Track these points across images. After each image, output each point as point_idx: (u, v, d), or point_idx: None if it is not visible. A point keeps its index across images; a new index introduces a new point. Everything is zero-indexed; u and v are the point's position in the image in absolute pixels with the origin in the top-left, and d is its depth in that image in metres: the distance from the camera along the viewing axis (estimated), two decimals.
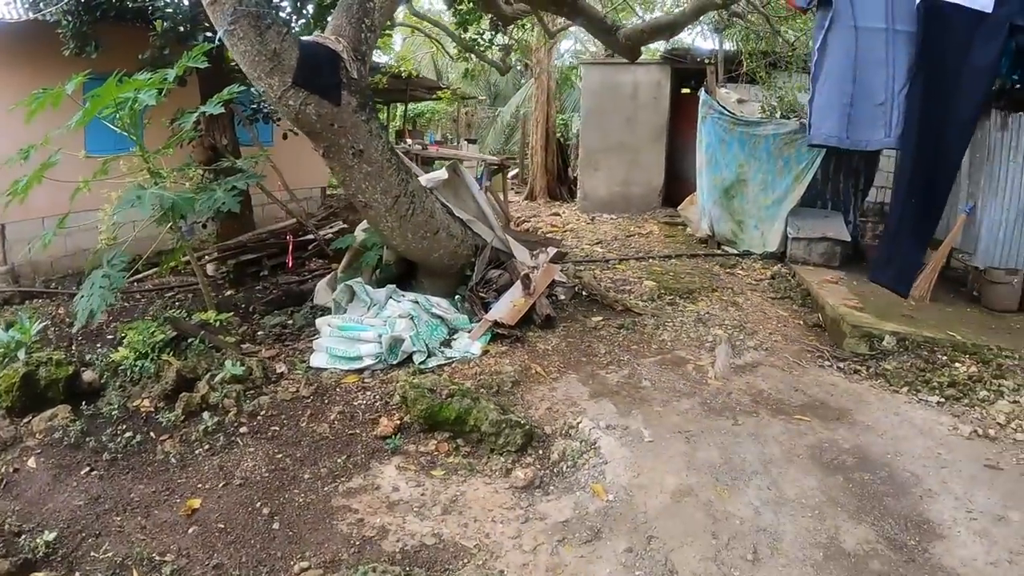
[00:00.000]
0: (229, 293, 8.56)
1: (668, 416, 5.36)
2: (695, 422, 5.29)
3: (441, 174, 7.25)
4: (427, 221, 6.60)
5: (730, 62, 12.48)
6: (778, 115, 11.55)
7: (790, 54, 12.18)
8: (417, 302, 6.56)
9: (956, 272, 9.28)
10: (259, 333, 6.95)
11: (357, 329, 6.16)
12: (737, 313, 8.02)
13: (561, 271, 8.45)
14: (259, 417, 5.19)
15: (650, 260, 10.26)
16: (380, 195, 6.22)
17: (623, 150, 15.06)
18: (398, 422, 5.03)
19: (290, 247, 8.86)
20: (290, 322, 7.20)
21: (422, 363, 5.95)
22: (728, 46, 12.94)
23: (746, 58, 12.23)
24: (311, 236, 9.41)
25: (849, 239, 10.61)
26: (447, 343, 6.42)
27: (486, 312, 6.78)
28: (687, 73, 14.94)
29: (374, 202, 6.26)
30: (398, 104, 21.18)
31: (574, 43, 27.57)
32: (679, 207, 12.58)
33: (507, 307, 6.68)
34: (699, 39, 18.31)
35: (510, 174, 21.82)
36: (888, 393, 6.07)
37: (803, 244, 10.55)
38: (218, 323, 6.42)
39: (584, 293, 8.14)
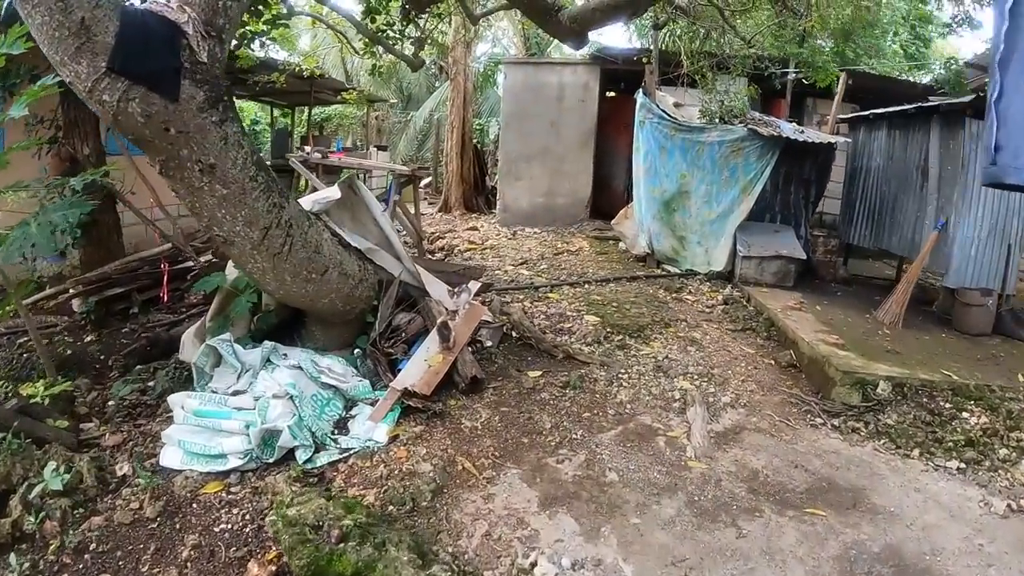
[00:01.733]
0: (89, 339, 6.66)
1: (650, 532, 3.80)
2: (688, 539, 3.76)
3: (332, 192, 5.49)
4: (311, 258, 4.85)
5: (665, 64, 11.05)
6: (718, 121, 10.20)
7: (742, 53, 10.82)
8: (301, 367, 4.83)
9: (917, 290, 8.13)
10: (110, 404, 5.16)
11: (218, 416, 4.40)
12: (699, 354, 6.58)
13: (485, 305, 6.86)
14: (87, 555, 3.48)
15: (586, 285, 8.73)
16: (243, 227, 4.44)
17: (547, 157, 13.53)
18: (274, 570, 3.31)
19: (164, 277, 6.96)
20: (151, 384, 5.42)
21: (308, 461, 4.22)
22: (663, 46, 11.47)
23: (687, 58, 10.83)
24: (191, 263, 7.48)
25: (804, 256, 9.40)
26: (342, 425, 4.71)
27: (394, 374, 5.11)
28: (617, 75, 13.54)
29: (236, 237, 4.48)
30: (303, 108, 19.23)
31: (492, 46, 26.11)
32: (613, 221, 11.15)
33: (420, 369, 5.02)
34: (628, 40, 16.93)
35: (423, 183, 20.16)
36: (899, 459, 4.93)
37: (754, 263, 9.27)
38: (47, 399, 4.61)
39: (515, 335, 6.55)
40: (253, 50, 9.54)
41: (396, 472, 4.15)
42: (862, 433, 5.28)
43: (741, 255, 9.27)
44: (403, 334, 5.52)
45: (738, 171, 9.52)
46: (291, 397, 4.42)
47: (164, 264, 7.10)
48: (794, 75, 12.41)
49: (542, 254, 10.80)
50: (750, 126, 9.56)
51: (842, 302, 8.59)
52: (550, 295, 8.10)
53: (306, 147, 12.87)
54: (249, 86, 14.59)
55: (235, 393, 4.75)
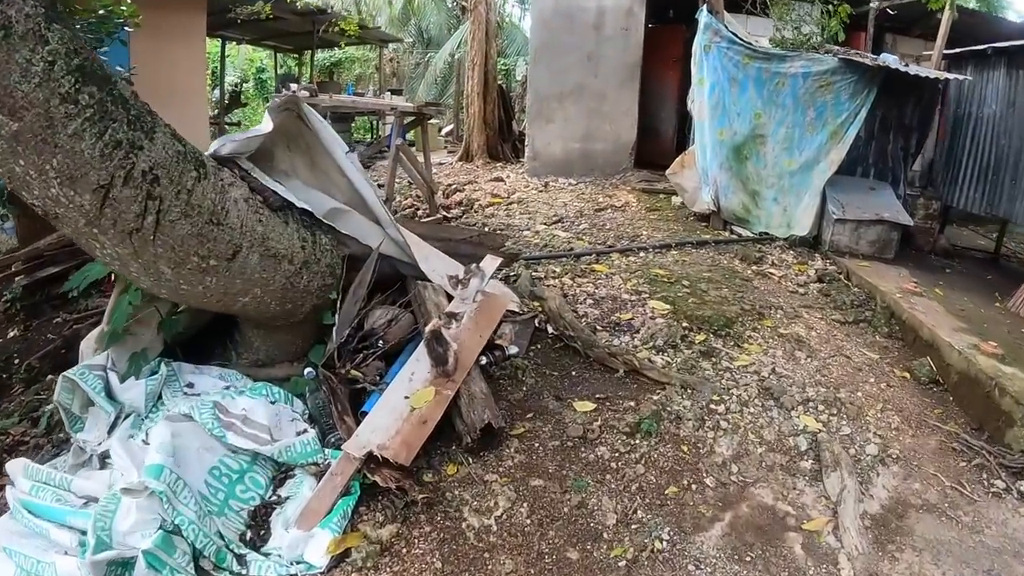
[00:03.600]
0: (13, 333, 4.90)
1: None
2: None
3: (261, 127, 3.35)
4: (204, 233, 2.78)
5: None
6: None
7: None
8: (193, 416, 2.81)
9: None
10: None
11: (49, 516, 2.46)
12: (812, 364, 4.51)
13: (510, 285, 4.80)
14: None
15: (641, 253, 6.61)
16: (62, 187, 2.39)
17: (584, 96, 11.19)
18: None
19: None
20: (48, 409, 3.66)
21: None
22: None
23: None
24: None
25: (910, 221, 7.22)
26: (263, 520, 2.71)
27: (356, 416, 3.08)
28: None
29: (56, 205, 2.46)
30: (307, 51, 17.05)
31: None
32: (668, 171, 8.94)
33: (397, 415, 2.95)
34: None
35: (443, 130, 17.91)
36: None
37: (849, 228, 7.14)
38: None
39: (551, 329, 4.50)
40: None
41: None
42: None
43: (834, 217, 7.11)
44: (380, 342, 3.48)
45: (827, 111, 7.31)
46: (161, 496, 2.39)
47: None
48: (878, 2, 10.08)
49: (580, 210, 8.63)
50: (842, 55, 7.34)
51: (959, 283, 6.49)
52: (596, 267, 5.98)
53: (292, 84, 10.63)
54: (245, 26, 12.62)
55: (101, 457, 2.79)
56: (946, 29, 8.80)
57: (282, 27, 13.86)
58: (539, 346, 4.31)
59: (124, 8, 6.20)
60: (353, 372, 3.22)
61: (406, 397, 3.00)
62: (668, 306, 4.97)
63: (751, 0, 8.83)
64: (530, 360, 4.10)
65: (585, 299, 5.11)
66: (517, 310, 4.44)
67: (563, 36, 11.12)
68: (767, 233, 7.62)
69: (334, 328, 3.32)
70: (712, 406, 3.81)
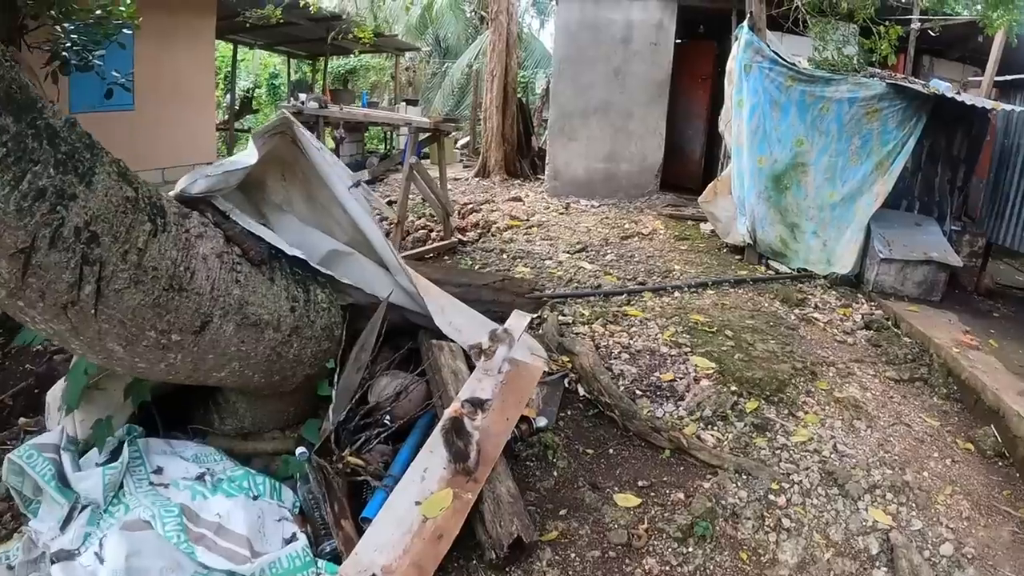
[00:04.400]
0: None
1: None
2: None
3: (243, 158, 2.71)
4: (163, 303, 2.21)
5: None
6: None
7: None
8: (182, 521, 2.25)
9: None
10: None
11: None
12: (873, 436, 3.94)
13: (537, 337, 4.22)
14: None
15: (676, 293, 6.02)
16: None
17: (609, 113, 10.61)
18: None
19: None
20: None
21: None
22: None
23: None
24: None
25: (959, 262, 6.62)
26: None
27: (355, 519, 2.50)
28: (696, 13, 10.57)
29: None
30: (322, 58, 16.47)
31: None
32: (700, 198, 8.32)
33: (404, 529, 2.37)
34: None
35: (459, 142, 17.27)
36: None
37: (895, 268, 6.58)
38: None
39: (582, 391, 3.92)
40: None
41: None
42: None
43: (880, 256, 6.52)
44: (387, 419, 2.91)
45: (872, 140, 6.75)
46: None
47: None
48: (919, 23, 9.50)
49: (605, 237, 8.02)
50: (890, 80, 6.76)
51: (1013, 332, 5.87)
52: (628, 310, 5.40)
53: (301, 95, 10.03)
54: (257, 31, 12.08)
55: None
56: (998, 55, 8.25)
57: (295, 33, 13.32)
58: (569, 412, 3.73)
59: (123, 8, 5.71)
60: (352, 460, 2.63)
61: (417, 503, 2.42)
62: (713, 364, 4.37)
63: (791, 18, 8.21)
64: (560, 433, 3.51)
65: (619, 353, 4.52)
66: (546, 368, 3.87)
67: (589, 50, 10.55)
68: (805, 269, 7.03)
69: (330, 406, 2.74)
70: (771, 496, 3.22)
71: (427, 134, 7.37)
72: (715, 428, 3.75)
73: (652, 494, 3.13)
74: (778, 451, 3.62)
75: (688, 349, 4.59)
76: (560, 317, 4.97)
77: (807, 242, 7.16)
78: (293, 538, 2.45)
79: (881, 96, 6.61)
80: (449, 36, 21.74)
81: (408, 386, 2.99)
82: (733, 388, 4.11)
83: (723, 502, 3.09)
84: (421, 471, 2.55)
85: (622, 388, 3.98)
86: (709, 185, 8.31)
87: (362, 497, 2.65)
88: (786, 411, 4.01)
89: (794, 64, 7.05)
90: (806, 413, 4.03)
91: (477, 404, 2.78)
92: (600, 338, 4.73)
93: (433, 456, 2.60)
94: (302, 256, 2.88)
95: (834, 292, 6.52)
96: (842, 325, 5.73)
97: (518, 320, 3.37)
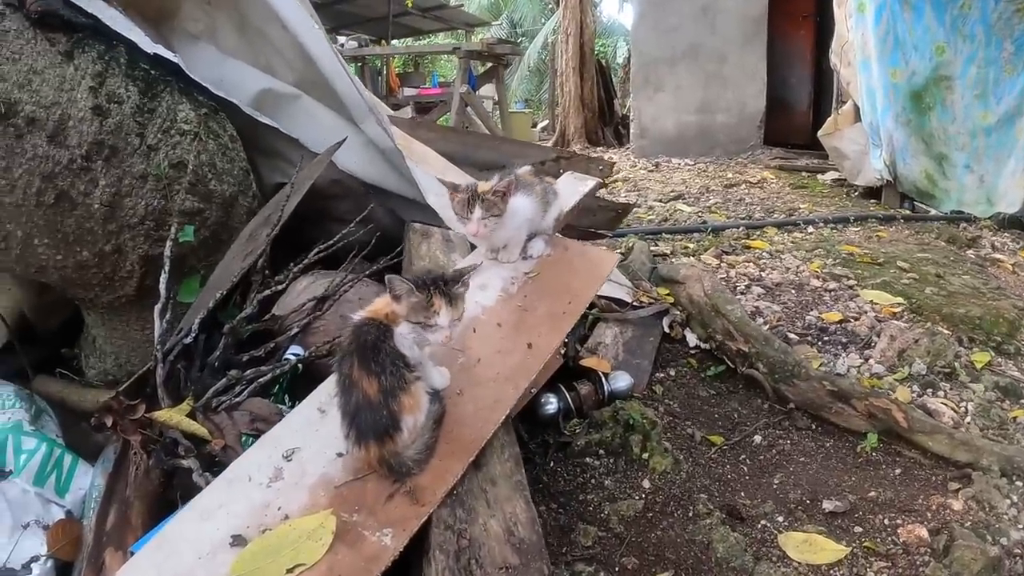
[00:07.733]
0: None
1: None
2: None
3: None
4: None
5: None
6: None
7: None
8: None
9: None
10: None
11: None
12: None
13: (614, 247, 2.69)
14: None
15: (810, 229, 4.38)
16: None
17: (699, 58, 8.98)
18: None
19: None
20: None
21: None
22: None
23: None
24: None
25: None
26: None
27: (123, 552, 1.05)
28: None
29: None
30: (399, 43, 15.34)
31: None
32: (821, 131, 6.54)
33: None
34: None
35: (538, 125, 15.98)
36: None
37: None
38: None
39: (698, 345, 2.36)
40: None
41: None
42: None
43: None
44: (292, 350, 1.44)
45: None
46: None
47: None
48: None
49: (705, 187, 6.36)
50: None
51: None
52: (751, 242, 3.79)
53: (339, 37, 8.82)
54: (321, 10, 11.05)
55: None
56: None
57: (356, 10, 12.25)
58: (673, 372, 2.17)
59: None
60: (181, 422, 1.18)
61: (233, 542, 0.93)
62: (899, 299, 2.73)
63: None
64: (658, 405, 1.95)
65: (748, 286, 2.91)
66: (628, 299, 2.33)
67: None
68: (960, 212, 5.30)
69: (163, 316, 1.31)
70: None
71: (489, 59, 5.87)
72: (940, 391, 2.11)
73: (857, 528, 1.53)
74: None
75: (853, 281, 2.95)
76: (653, 247, 3.41)
77: (959, 179, 5.43)
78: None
79: None
80: (524, 19, 20.59)
81: (340, 290, 1.52)
82: (943, 331, 2.45)
83: (1004, 539, 1.48)
84: (281, 456, 1.05)
85: (766, 327, 2.39)
86: (830, 117, 6.59)
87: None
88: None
89: None
90: None
91: (451, 299, 1.22)
92: (716, 271, 3.14)
93: (313, 425, 1.10)
94: (174, 58, 1.50)
95: (1007, 234, 4.80)
96: None
97: (573, 183, 1.85)
